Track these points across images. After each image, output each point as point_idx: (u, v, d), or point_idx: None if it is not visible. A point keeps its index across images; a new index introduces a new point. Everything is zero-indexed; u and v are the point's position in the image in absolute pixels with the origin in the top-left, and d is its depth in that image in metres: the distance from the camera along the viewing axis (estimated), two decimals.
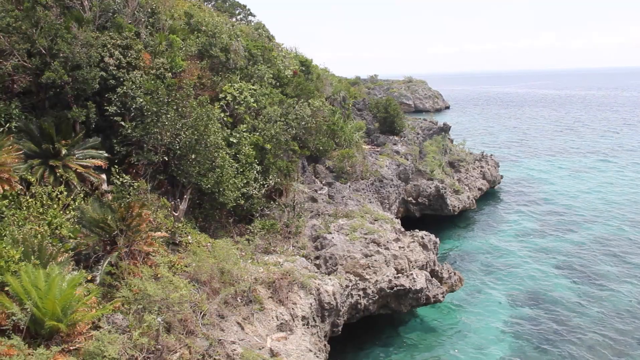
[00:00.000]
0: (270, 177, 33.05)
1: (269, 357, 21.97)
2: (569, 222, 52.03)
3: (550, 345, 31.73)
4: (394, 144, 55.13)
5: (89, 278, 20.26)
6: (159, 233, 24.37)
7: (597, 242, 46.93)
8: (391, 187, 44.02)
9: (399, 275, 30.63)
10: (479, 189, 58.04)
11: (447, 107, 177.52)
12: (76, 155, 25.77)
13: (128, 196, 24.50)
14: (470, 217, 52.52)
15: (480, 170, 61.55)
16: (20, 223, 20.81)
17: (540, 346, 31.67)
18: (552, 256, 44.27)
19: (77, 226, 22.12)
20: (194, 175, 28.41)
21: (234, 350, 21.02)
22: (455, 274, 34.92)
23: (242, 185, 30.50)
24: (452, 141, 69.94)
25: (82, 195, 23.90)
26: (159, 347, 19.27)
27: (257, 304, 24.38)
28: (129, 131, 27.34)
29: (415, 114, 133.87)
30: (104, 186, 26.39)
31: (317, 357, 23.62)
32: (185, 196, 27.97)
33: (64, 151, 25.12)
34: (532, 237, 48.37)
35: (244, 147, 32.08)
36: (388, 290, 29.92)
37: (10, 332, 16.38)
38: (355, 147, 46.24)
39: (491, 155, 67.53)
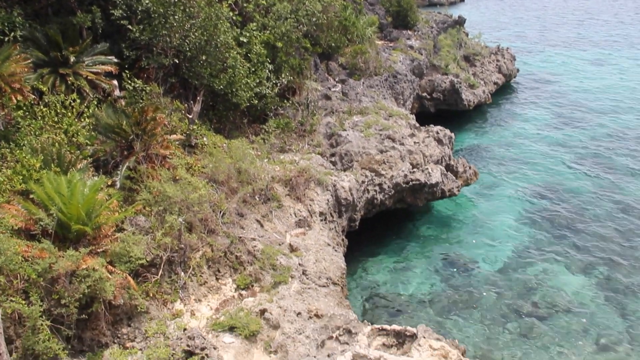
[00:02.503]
0: (283, 76, 32.66)
1: (289, 252, 22.69)
2: (586, 114, 51.27)
3: (564, 237, 32.34)
4: (408, 39, 53.67)
5: (109, 183, 20.70)
6: (175, 136, 24.55)
7: (614, 135, 46.50)
8: (405, 83, 43.39)
9: (415, 170, 30.85)
10: (495, 83, 56.95)
11: (462, 0, 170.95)
12: (85, 62, 25.53)
13: (141, 101, 24.49)
14: (486, 112, 52.02)
15: (496, 64, 60.09)
16: (36, 132, 21.04)
17: (554, 237, 32.30)
18: (568, 149, 44.08)
19: (93, 133, 22.33)
20: (205, 77, 28.15)
21: (255, 246, 21.71)
22: (470, 167, 35.08)
23: (255, 85, 30.21)
24: (467, 34, 67.74)
25: (95, 102, 23.92)
26: (182, 246, 19.96)
27: (275, 202, 24.87)
28: (137, 35, 26.85)
29: (429, 7, 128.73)
30: (117, 92, 26.33)
31: (336, 251, 24.32)
32: (198, 98, 27.86)
33: (72, 58, 24.87)
34: (548, 131, 47.97)
35: (254, 46, 31.47)
36: (404, 185, 30.27)
37: (40, 236, 17.00)
38: (368, 42, 45.12)
39: (507, 48, 65.53)
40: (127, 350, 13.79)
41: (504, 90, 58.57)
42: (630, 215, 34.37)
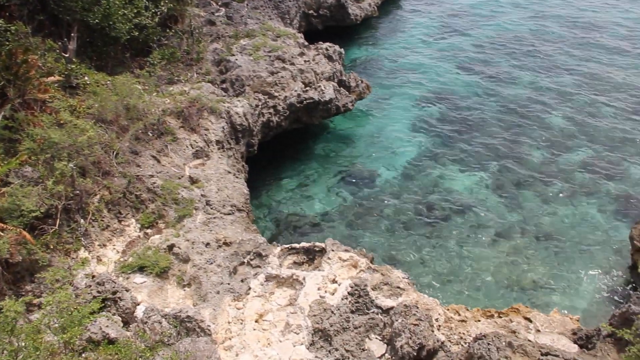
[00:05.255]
0: (162, 4, 30.93)
1: (190, 184, 22.38)
2: (470, 22, 52.48)
3: (457, 140, 33.95)
4: None
5: None
6: (52, 77, 22.99)
7: (497, 40, 48.15)
8: (290, 1, 42.52)
9: (307, 88, 30.82)
10: None
11: None
12: None
13: (7, 43, 22.50)
14: (374, 25, 52.15)
15: None
16: None
17: (448, 142, 33.85)
18: (455, 56, 45.36)
19: None
20: (77, 11, 26.19)
21: (154, 183, 21.24)
22: (362, 81, 35.44)
23: (133, 15, 28.48)
24: None
25: None
26: (77, 192, 19.20)
27: (169, 135, 24.19)
28: None
29: None
30: None
31: (237, 177, 24.24)
32: (72, 35, 26.03)
33: None
34: (435, 39, 48.90)
35: None
36: (298, 105, 30.26)
37: None
38: None
39: None
40: (21, 299, 13.32)
41: (391, 1, 58.59)
42: (514, 116, 36.44)
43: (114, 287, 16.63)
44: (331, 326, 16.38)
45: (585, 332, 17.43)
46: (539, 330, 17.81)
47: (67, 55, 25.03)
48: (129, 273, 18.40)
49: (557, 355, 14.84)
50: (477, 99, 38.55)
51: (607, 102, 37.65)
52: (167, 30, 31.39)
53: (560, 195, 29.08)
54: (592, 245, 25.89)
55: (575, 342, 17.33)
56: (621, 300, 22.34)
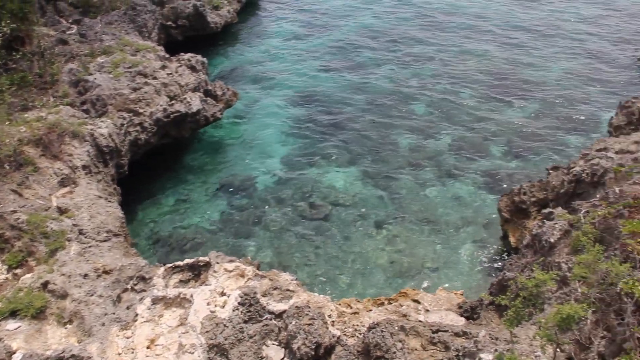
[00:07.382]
0: (3, 24, 28.84)
1: (59, 215, 21.06)
2: (329, 21, 53.47)
3: (328, 138, 34.62)
4: None
5: None
6: None
7: (356, 36, 49.50)
8: (146, 14, 41.18)
9: (173, 102, 30.07)
10: (239, 1, 56.50)
11: None
12: None
13: None
14: (235, 31, 51.91)
15: None
16: None
17: (319, 140, 34.44)
18: (319, 55, 46.20)
19: None
20: None
21: (17, 219, 19.75)
22: (228, 89, 35.11)
23: None
24: None
25: None
26: None
27: (30, 166, 22.57)
28: None
29: None
30: None
31: (109, 202, 23.17)
32: None
33: None
34: (297, 41, 49.47)
35: None
36: (165, 120, 29.43)
37: None
38: None
39: None
40: None
41: (249, 6, 58.46)
42: (380, 108, 37.83)
43: None
44: (226, 339, 16.10)
45: (470, 305, 18.51)
46: (428, 310, 18.60)
47: None
48: (0, 320, 17.00)
49: (446, 331, 15.55)
50: (343, 96, 39.53)
51: (465, 85, 40.17)
52: (14, 53, 29.28)
53: (432, 179, 30.54)
54: (466, 222, 27.45)
55: (462, 315, 18.36)
56: (497, 269, 23.84)
